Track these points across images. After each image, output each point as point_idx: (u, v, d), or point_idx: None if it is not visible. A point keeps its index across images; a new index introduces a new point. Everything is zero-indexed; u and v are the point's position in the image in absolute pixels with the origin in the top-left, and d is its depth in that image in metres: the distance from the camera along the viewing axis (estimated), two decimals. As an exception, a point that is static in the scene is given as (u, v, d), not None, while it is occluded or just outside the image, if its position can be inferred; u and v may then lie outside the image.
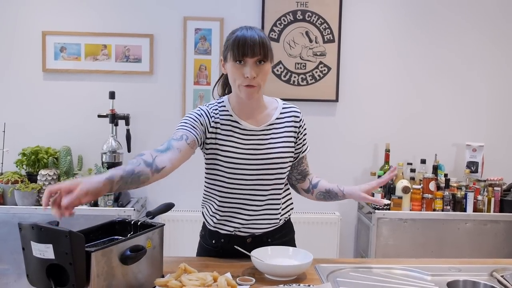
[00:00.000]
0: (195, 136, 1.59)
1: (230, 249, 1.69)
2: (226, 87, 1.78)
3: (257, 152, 1.66)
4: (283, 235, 1.79)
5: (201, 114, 1.65)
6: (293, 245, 1.84)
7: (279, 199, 1.74)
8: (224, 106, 1.69)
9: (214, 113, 1.67)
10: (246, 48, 1.53)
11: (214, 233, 1.74)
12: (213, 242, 1.75)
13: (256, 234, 1.72)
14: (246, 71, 1.55)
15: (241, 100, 1.64)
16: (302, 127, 1.76)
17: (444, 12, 3.35)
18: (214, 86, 1.82)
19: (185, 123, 1.62)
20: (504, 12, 3.37)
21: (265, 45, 1.56)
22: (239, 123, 1.67)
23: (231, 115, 1.68)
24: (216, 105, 1.69)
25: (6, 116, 3.21)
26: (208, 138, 1.66)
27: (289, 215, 1.82)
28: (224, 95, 1.76)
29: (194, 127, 1.61)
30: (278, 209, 1.74)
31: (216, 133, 1.66)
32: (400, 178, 3.15)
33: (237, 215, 1.70)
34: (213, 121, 1.65)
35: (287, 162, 1.72)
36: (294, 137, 1.74)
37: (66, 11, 3.22)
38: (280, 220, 1.76)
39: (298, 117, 1.75)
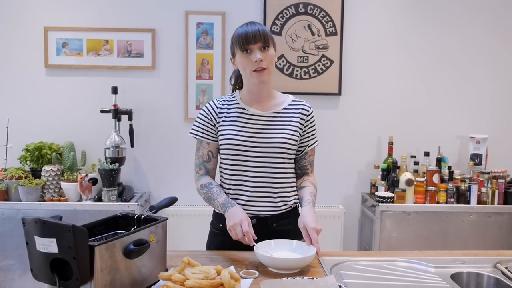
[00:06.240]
0: (212, 139, 1.81)
1: None
2: (237, 79, 1.88)
3: (261, 136, 1.76)
4: (289, 222, 1.82)
5: (208, 112, 1.82)
6: (299, 234, 1.83)
7: (285, 187, 1.80)
8: (235, 97, 1.85)
9: (221, 104, 1.83)
10: (249, 37, 1.69)
11: (221, 216, 1.79)
12: (221, 225, 1.80)
13: (261, 216, 1.77)
14: (253, 56, 1.70)
15: (251, 89, 1.78)
16: (310, 121, 1.85)
17: (447, 5, 3.33)
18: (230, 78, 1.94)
19: (199, 127, 1.81)
20: (507, 4, 3.34)
21: (265, 34, 1.71)
22: (245, 109, 1.80)
23: (238, 103, 1.82)
24: (227, 98, 1.86)
25: (9, 112, 3.22)
26: (218, 128, 1.81)
27: (295, 204, 1.85)
28: (236, 88, 1.90)
29: (207, 130, 1.81)
30: (282, 195, 1.80)
31: (223, 120, 1.80)
32: (404, 171, 3.15)
33: (240, 193, 1.78)
34: (219, 112, 1.81)
35: (291, 149, 1.79)
36: (300, 128, 1.81)
37: (67, 6, 3.22)
38: (284, 204, 1.80)
39: (308, 111, 1.84)
